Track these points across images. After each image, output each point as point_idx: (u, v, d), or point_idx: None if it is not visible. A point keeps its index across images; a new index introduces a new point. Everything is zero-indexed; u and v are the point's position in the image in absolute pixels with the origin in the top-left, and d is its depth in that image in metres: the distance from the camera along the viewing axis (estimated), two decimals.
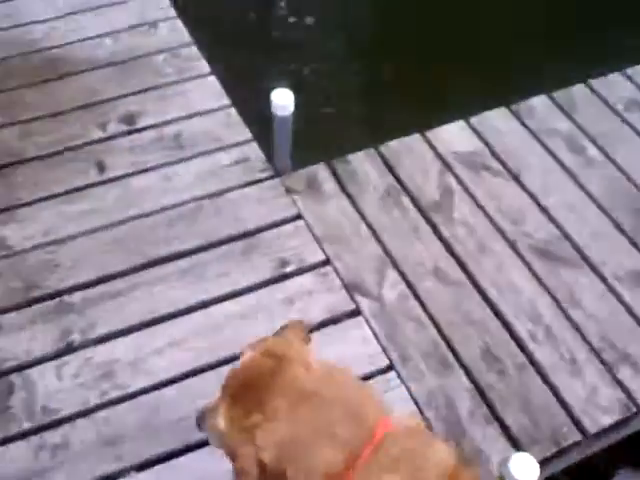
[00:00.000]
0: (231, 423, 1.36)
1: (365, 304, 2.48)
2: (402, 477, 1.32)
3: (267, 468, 1.31)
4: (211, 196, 2.77)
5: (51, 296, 2.45)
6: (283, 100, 2.57)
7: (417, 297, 2.50)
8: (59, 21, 3.45)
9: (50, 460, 2.09)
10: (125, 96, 3.12)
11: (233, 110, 3.06)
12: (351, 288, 2.52)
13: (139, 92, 3.13)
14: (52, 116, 3.04)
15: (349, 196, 2.79)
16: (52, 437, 2.13)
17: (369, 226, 2.70)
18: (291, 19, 4.21)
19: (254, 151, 2.92)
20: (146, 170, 2.84)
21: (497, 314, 2.49)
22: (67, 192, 2.76)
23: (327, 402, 1.35)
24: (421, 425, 1.50)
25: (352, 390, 1.43)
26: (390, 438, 1.36)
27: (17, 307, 2.42)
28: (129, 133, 2.98)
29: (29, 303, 2.44)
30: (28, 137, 2.95)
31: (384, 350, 2.37)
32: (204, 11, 3.95)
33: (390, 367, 2.33)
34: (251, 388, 1.36)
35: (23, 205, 2.71)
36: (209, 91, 3.15)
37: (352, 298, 2.49)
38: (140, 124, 3.01)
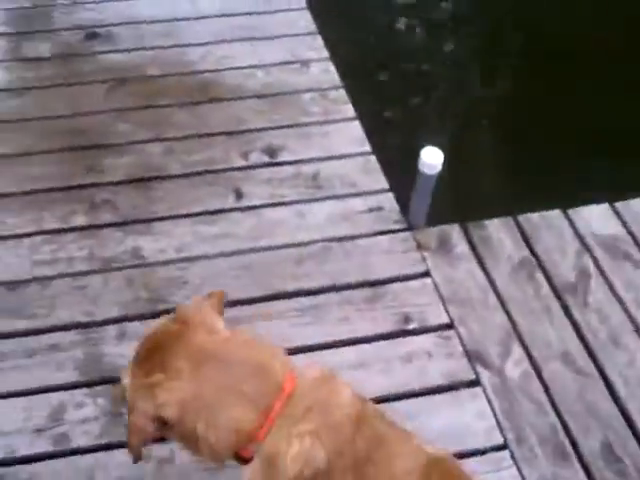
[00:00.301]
0: (133, 382, 1.38)
1: (485, 376, 2.39)
2: (314, 425, 1.35)
3: (171, 426, 1.34)
4: (341, 239, 2.76)
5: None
6: (432, 159, 2.55)
7: (541, 379, 2.40)
8: (215, 46, 3.57)
9: (154, 473, 2.09)
10: (270, 129, 3.17)
11: (373, 157, 3.07)
12: (473, 357, 2.44)
13: (283, 127, 3.19)
14: (198, 137, 3.12)
15: (481, 262, 2.73)
16: (160, 450, 2.12)
17: (498, 296, 2.63)
18: (445, 77, 4.23)
19: (389, 201, 2.90)
20: (281, 204, 2.87)
21: (623, 411, 2.35)
22: (203, 213, 2.81)
23: (232, 362, 1.39)
24: (327, 373, 1.49)
25: (257, 349, 1.45)
26: (299, 390, 1.39)
27: (141, 317, 2.46)
28: (269, 165, 3.03)
29: (154, 315, 2.45)
30: (172, 154, 3.04)
31: (500, 427, 2.27)
32: (355, 56, 4.01)
33: (504, 446, 2.23)
34: (156, 351, 1.38)
35: (160, 219, 2.78)
36: (351, 135, 3.17)
37: (473, 367, 2.41)
38: (280, 158, 3.05)
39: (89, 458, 2.11)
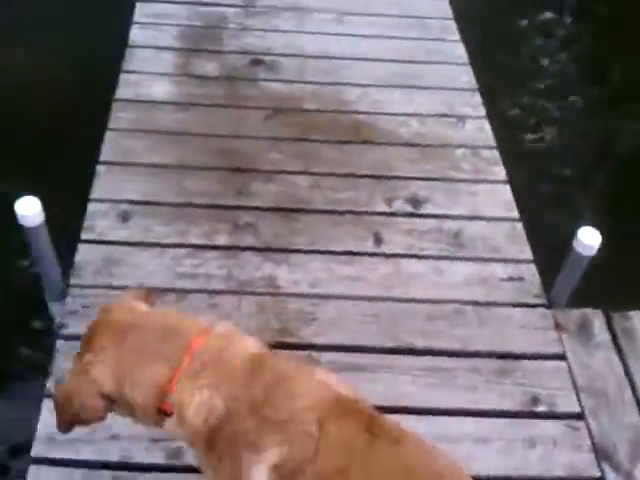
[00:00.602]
0: (70, 371, 1.53)
1: (611, 477, 2.25)
2: (212, 377, 1.46)
3: (115, 400, 1.49)
4: (476, 304, 2.69)
5: (301, 347, 2.48)
6: (589, 239, 2.45)
7: None
8: (373, 89, 3.61)
9: None
10: (417, 179, 3.15)
11: (520, 225, 2.99)
12: (600, 453, 2.30)
13: (431, 179, 3.16)
14: (344, 176, 3.14)
15: (621, 354, 2.58)
16: None
17: (635, 393, 2.47)
18: (610, 153, 4.08)
19: (531, 273, 2.81)
20: (420, 257, 2.83)
21: None
22: (341, 253, 2.81)
23: (147, 329, 1.52)
24: (230, 327, 1.60)
25: (170, 316, 1.59)
26: (203, 345, 1.50)
27: (268, 347, 2.46)
28: (412, 215, 3.00)
29: (279, 346, 2.46)
30: (318, 189, 3.06)
31: None
32: (513, 118, 3.95)
33: None
34: (85, 340, 1.54)
35: (299, 251, 2.79)
36: (500, 198, 3.10)
37: (599, 465, 2.27)
38: (424, 210, 3.02)
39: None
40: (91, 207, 2.84)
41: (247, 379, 1.47)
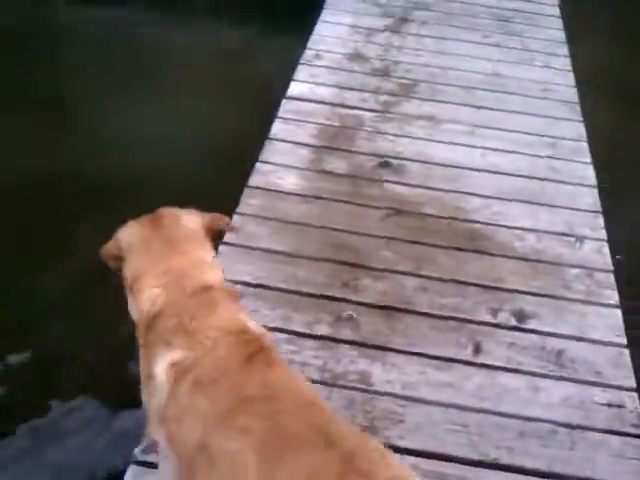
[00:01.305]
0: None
1: None
2: (168, 283, 1.86)
3: (120, 257, 1.95)
4: (570, 426, 2.61)
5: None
6: None
7: None
8: (494, 201, 3.67)
9: None
10: (525, 293, 3.15)
11: (626, 352, 2.90)
12: None
13: (540, 295, 3.15)
14: (453, 282, 3.18)
15: None
16: None
17: None
18: None
19: (633, 402, 2.70)
20: (518, 371, 2.80)
21: None
22: (437, 357, 2.83)
23: (167, 236, 1.95)
24: (209, 260, 1.97)
25: (186, 240, 1.96)
26: (181, 266, 1.90)
27: None
28: (515, 329, 2.99)
29: None
30: (424, 292, 3.12)
31: None
32: (635, 245, 3.87)
33: None
34: (136, 220, 2.01)
35: (396, 351, 2.84)
36: (609, 323, 3.03)
37: None
38: (529, 325, 3.00)
39: None
40: None
41: (189, 295, 1.84)
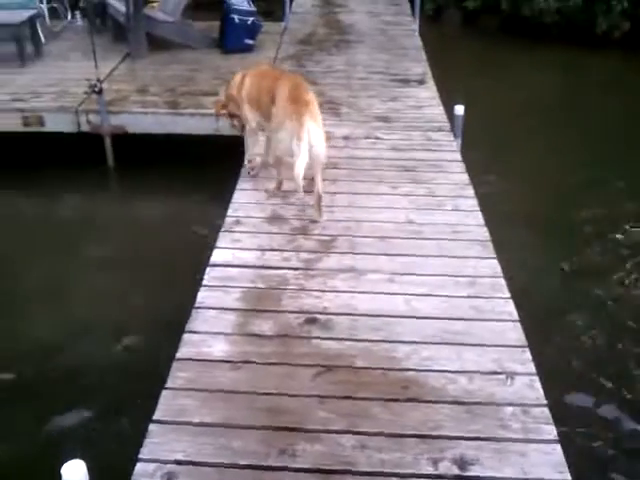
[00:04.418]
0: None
1: None
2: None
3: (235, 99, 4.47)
4: None
5: None
6: None
7: None
8: (422, 346, 3.69)
9: None
10: (463, 439, 3.11)
11: None
12: None
13: (478, 439, 3.11)
14: (389, 436, 3.12)
15: None
16: None
17: None
18: None
19: None
20: None
21: None
22: None
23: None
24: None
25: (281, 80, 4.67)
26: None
27: None
28: (459, 478, 2.92)
29: None
30: (362, 450, 3.04)
31: None
32: (563, 372, 3.92)
33: None
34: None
35: None
36: (551, 460, 2.99)
37: None
38: (472, 472, 2.94)
39: None
40: (139, 467, 2.91)
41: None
